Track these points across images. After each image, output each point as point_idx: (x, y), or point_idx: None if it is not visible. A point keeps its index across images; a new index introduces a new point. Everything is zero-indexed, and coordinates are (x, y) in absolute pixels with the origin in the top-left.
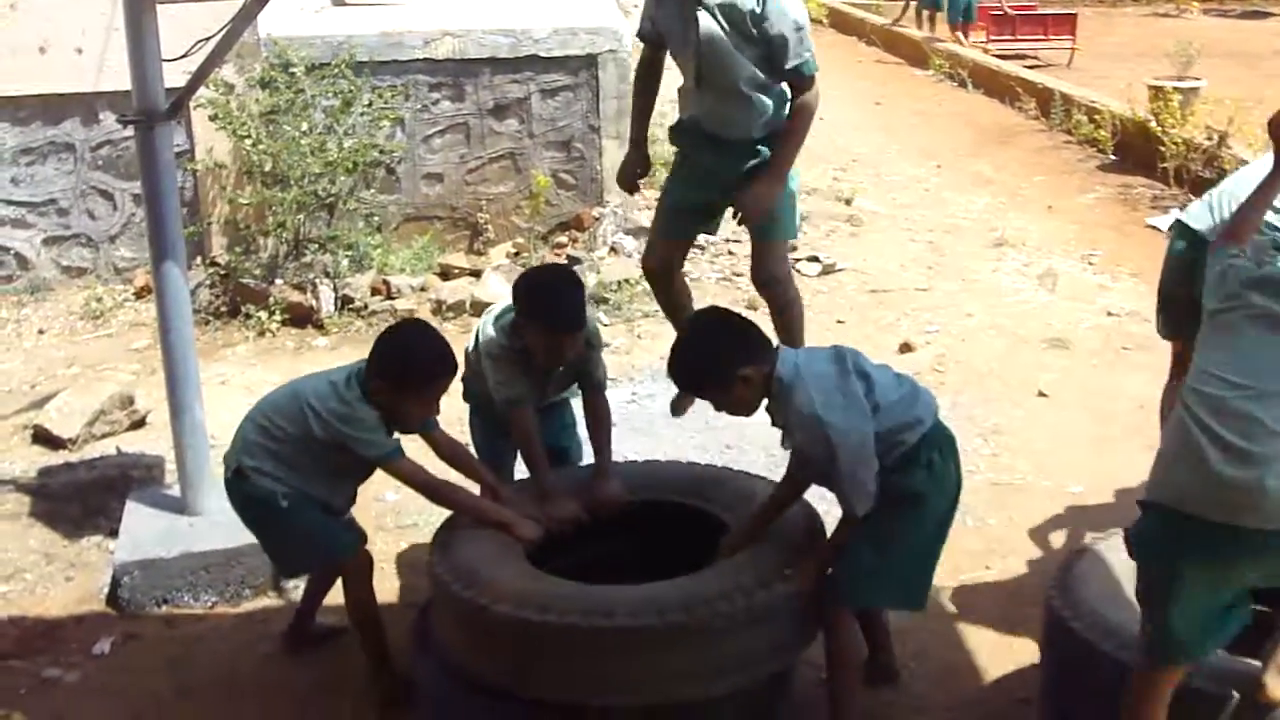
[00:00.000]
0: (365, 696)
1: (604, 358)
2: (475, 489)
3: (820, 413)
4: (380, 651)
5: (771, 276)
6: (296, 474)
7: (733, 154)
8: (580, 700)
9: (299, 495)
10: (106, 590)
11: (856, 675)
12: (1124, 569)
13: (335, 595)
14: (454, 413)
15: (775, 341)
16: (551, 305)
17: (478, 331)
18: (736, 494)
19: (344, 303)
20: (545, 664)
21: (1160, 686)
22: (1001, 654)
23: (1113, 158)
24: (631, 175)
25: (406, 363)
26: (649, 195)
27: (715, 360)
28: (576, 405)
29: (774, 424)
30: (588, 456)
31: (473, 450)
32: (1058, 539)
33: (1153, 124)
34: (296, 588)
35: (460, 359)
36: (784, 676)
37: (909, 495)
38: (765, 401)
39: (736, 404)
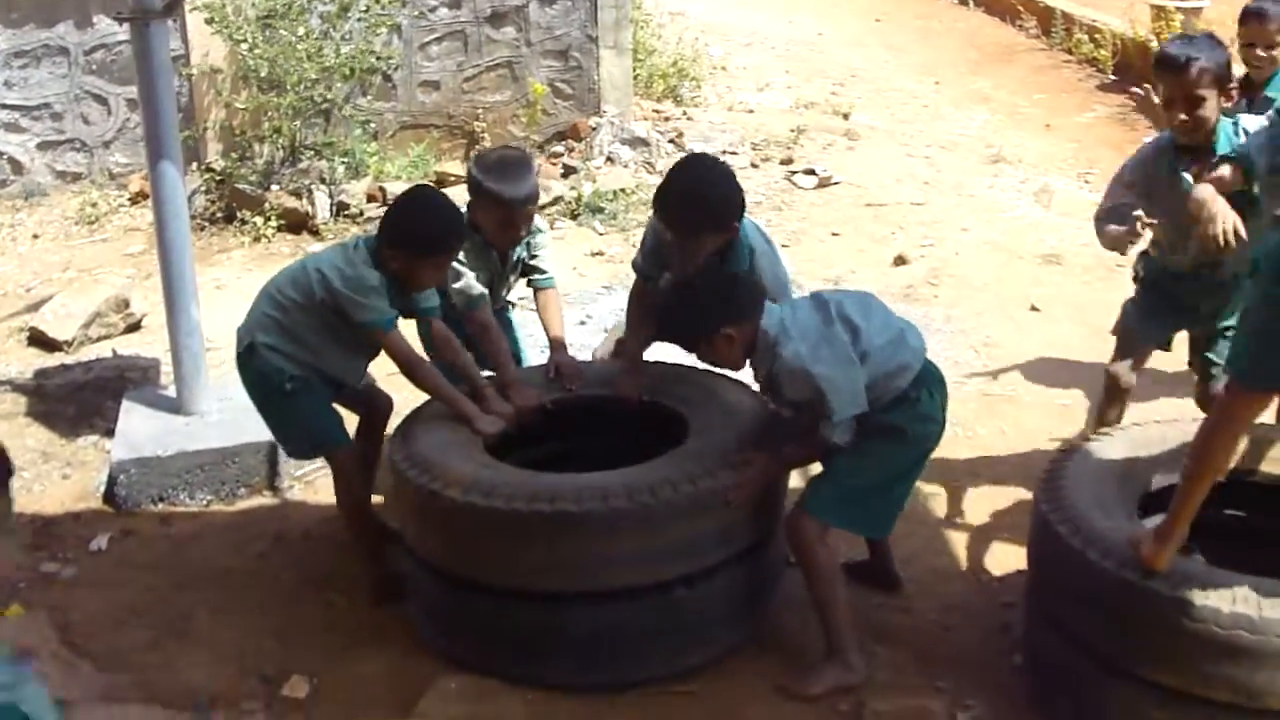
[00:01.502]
0: (358, 591)
1: (598, 266)
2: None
3: (808, 365)
4: (371, 546)
5: None
6: (305, 349)
7: None
8: (528, 585)
9: (304, 378)
10: (103, 488)
11: (832, 581)
12: (1111, 469)
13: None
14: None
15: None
16: (500, 178)
17: None
18: (699, 390)
19: (340, 209)
20: (493, 549)
21: (1253, 410)
22: (988, 559)
23: (1112, 78)
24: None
25: (421, 231)
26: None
27: (698, 316)
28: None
29: (755, 379)
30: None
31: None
32: (1046, 449)
33: (1154, 44)
34: (291, 487)
35: None
36: (760, 567)
37: (891, 428)
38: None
39: (721, 359)
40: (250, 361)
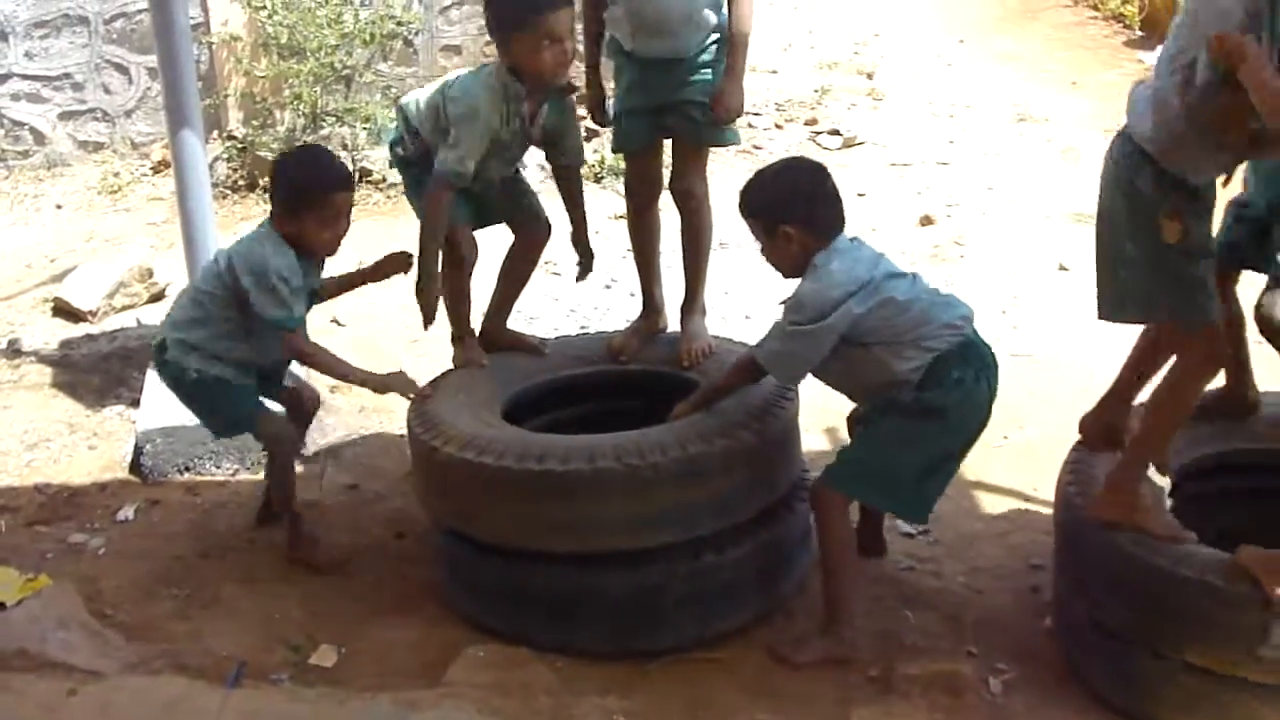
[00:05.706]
0: (386, 560)
1: (622, 229)
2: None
3: (831, 272)
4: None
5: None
6: (222, 339)
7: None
8: (518, 544)
9: (209, 372)
10: (129, 458)
11: (844, 552)
12: None
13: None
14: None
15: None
16: None
17: (431, 102)
18: (722, 365)
19: (362, 175)
20: (484, 506)
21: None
22: (1017, 521)
23: (1139, 34)
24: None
25: (296, 183)
26: None
27: (770, 198)
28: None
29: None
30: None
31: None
32: (1074, 411)
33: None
34: (316, 456)
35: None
36: (786, 533)
37: (930, 409)
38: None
39: (776, 257)
40: (160, 360)
